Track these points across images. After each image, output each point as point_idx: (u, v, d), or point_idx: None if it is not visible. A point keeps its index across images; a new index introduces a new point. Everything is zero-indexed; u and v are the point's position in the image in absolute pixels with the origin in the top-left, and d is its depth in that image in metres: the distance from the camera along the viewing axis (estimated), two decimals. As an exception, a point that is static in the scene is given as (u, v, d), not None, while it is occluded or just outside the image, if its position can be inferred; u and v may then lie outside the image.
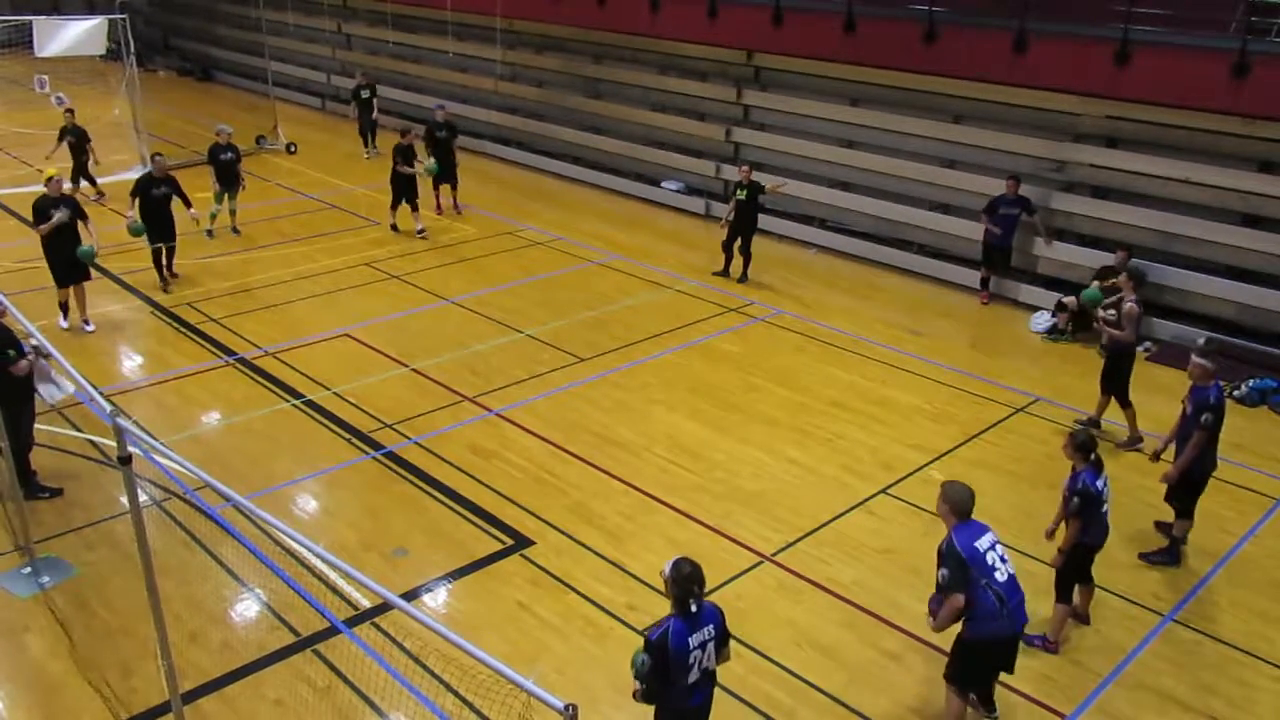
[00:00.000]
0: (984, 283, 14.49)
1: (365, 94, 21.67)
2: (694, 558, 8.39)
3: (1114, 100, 13.97)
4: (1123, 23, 13.06)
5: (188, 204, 13.97)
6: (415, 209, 16.42)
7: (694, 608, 5.44)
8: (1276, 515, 9.44)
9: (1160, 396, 11.73)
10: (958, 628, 6.38)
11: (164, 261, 13.97)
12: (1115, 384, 10.39)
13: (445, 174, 17.41)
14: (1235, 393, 11.69)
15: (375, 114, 21.75)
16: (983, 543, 6.24)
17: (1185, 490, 8.50)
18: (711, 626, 5.59)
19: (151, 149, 19.67)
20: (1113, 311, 10.42)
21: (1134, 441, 10.45)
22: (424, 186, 16.98)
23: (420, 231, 16.46)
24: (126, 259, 15.11)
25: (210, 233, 16.20)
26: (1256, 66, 12.17)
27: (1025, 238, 14.35)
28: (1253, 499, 9.68)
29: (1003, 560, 6.27)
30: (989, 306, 14.42)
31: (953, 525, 6.31)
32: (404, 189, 16.22)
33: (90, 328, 12.66)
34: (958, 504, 6.30)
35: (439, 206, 17.86)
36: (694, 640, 5.44)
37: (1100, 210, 14.04)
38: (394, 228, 16.66)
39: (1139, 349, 12.92)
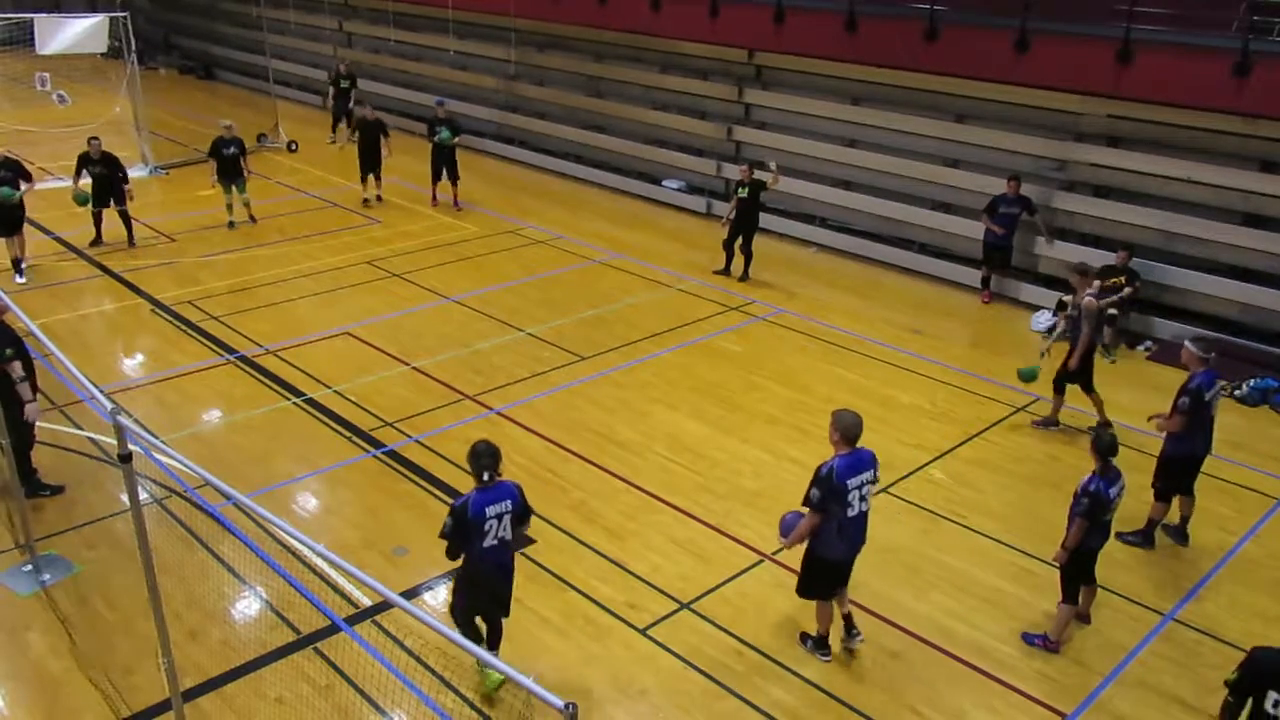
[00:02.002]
0: (985, 282, 14.48)
1: (345, 83, 21.74)
2: (695, 557, 8.46)
3: (1115, 99, 13.96)
4: (1124, 22, 13.06)
5: (125, 182, 15.38)
6: (378, 179, 17.97)
7: (488, 478, 6.36)
8: (1277, 515, 9.43)
9: (1160, 395, 11.71)
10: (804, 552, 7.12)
11: (102, 221, 15.60)
12: (1078, 376, 10.46)
13: (446, 169, 17.75)
14: (1236, 392, 11.69)
15: (352, 104, 21.67)
16: (856, 479, 6.83)
17: (1172, 471, 8.59)
18: (509, 501, 6.47)
19: (153, 147, 19.86)
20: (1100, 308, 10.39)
21: (1050, 423, 10.78)
22: (404, 173, 18.27)
23: (377, 197, 18.17)
24: (127, 258, 15.14)
25: (232, 224, 16.60)
26: (1258, 66, 12.16)
27: (1026, 237, 14.35)
28: (1254, 498, 9.68)
29: (862, 499, 6.89)
30: (990, 306, 14.42)
31: (839, 453, 6.86)
32: (370, 163, 17.71)
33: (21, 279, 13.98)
34: (847, 431, 6.85)
35: (435, 199, 18.20)
36: (490, 510, 6.37)
37: (1101, 209, 14.04)
38: (366, 201, 18.08)
39: (1140, 348, 12.96)
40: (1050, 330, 13.32)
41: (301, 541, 4.81)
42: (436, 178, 17.82)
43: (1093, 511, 7.15)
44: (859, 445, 6.88)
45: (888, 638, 7.62)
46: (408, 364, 11.88)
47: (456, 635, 4.25)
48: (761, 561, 8.44)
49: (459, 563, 6.56)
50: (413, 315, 13.35)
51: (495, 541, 6.44)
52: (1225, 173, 13.13)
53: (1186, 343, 8.55)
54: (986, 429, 10.79)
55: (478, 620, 6.82)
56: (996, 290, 14.52)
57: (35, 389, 8.73)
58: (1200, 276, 13.00)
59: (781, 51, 17.75)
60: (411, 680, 6.92)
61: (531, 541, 7.05)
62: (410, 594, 7.84)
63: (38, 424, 8.90)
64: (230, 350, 12.10)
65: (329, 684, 6.99)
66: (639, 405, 11.08)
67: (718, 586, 8.11)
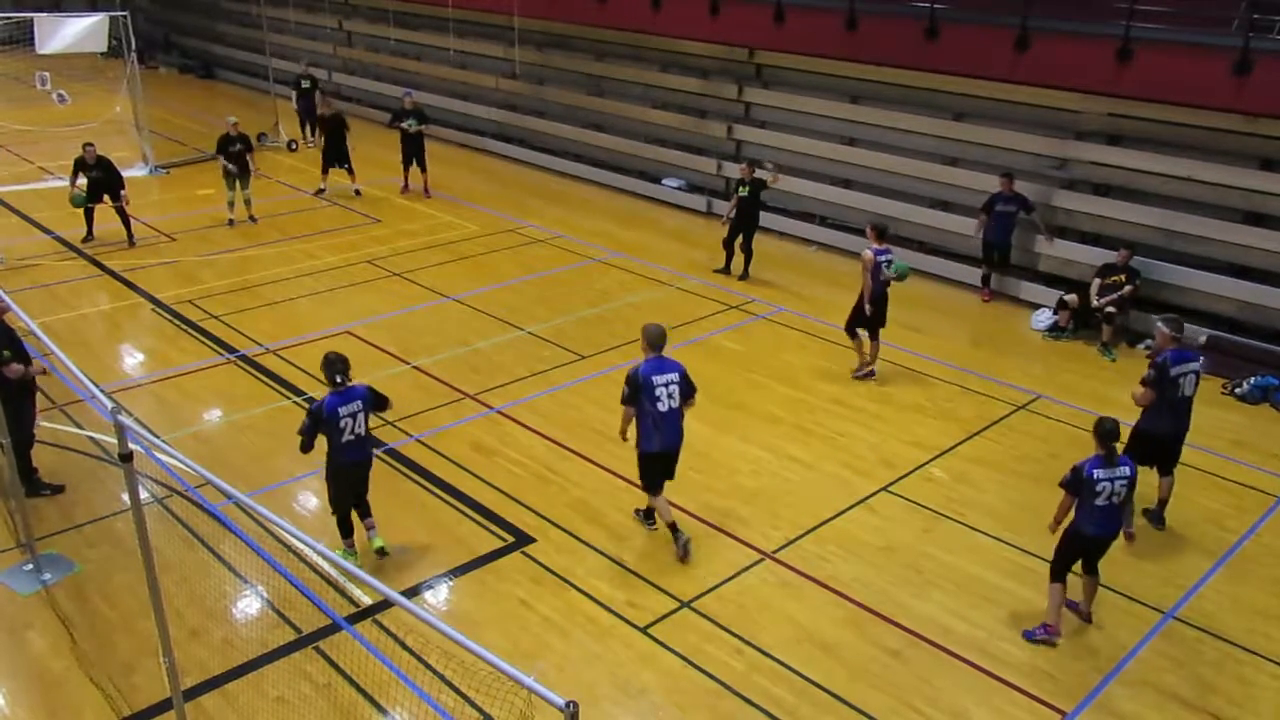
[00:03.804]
0: (985, 280, 14.48)
1: (305, 84, 21.77)
2: (695, 555, 8.46)
3: (1116, 97, 13.95)
4: (1125, 20, 13.04)
5: (121, 186, 15.42)
6: (351, 172, 18.25)
7: (340, 382, 7.46)
8: (1277, 513, 9.43)
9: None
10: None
11: (94, 217, 15.68)
12: (869, 322, 11.54)
13: (414, 158, 18.44)
14: (1237, 390, 11.70)
15: (321, 106, 21.63)
16: (661, 379, 8.00)
17: (1139, 445, 8.70)
18: (360, 401, 7.59)
19: (153, 146, 19.85)
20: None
21: (866, 371, 11.73)
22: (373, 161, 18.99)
23: (356, 191, 18.42)
24: (127, 258, 15.14)
25: (232, 222, 16.63)
26: (1258, 64, 12.15)
27: (1026, 235, 14.35)
28: (1254, 496, 9.68)
29: (670, 397, 8.03)
30: (990, 304, 14.41)
31: (645, 357, 8.07)
32: (334, 157, 18.13)
33: None
34: (651, 340, 8.09)
35: (406, 186, 18.78)
36: (343, 410, 7.49)
37: (1102, 208, 14.03)
38: (321, 191, 18.49)
39: (1140, 346, 12.95)
40: (1052, 328, 13.34)
41: (302, 540, 4.81)
42: (407, 165, 18.58)
43: (1075, 487, 7.21)
44: (664, 355, 8.10)
45: (888, 636, 7.62)
46: (408, 363, 11.88)
47: (457, 634, 4.24)
48: (762, 560, 8.44)
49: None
50: (413, 314, 13.35)
51: (352, 437, 7.60)
52: (1225, 171, 13.12)
53: (1158, 323, 8.77)
54: (986, 427, 10.79)
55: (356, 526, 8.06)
56: (997, 289, 14.53)
57: (35, 389, 8.75)
58: (1200, 275, 12.99)
59: (782, 50, 17.74)
60: (412, 679, 6.93)
61: (389, 406, 8.17)
62: (410, 593, 7.84)
63: (38, 424, 8.91)
64: (231, 349, 12.10)
65: (329, 683, 6.99)
66: (639, 404, 11.07)
67: (718, 585, 8.11)
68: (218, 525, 8.65)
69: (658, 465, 8.36)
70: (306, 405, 10.82)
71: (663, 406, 8.03)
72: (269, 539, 8.45)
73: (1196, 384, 8.69)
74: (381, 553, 8.13)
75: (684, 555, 8.33)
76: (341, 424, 7.49)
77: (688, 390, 8.18)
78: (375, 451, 9.88)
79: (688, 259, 15.74)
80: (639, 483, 8.62)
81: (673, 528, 8.43)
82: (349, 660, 7.15)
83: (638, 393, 8.00)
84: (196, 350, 12.09)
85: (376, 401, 7.85)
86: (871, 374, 11.75)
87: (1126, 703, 7.04)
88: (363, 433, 7.66)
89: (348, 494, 7.95)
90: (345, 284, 14.33)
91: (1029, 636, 7.61)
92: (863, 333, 11.69)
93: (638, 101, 20.16)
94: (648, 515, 8.78)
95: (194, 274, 14.53)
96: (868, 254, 11.30)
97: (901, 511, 9.23)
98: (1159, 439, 8.77)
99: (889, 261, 11.34)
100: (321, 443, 7.68)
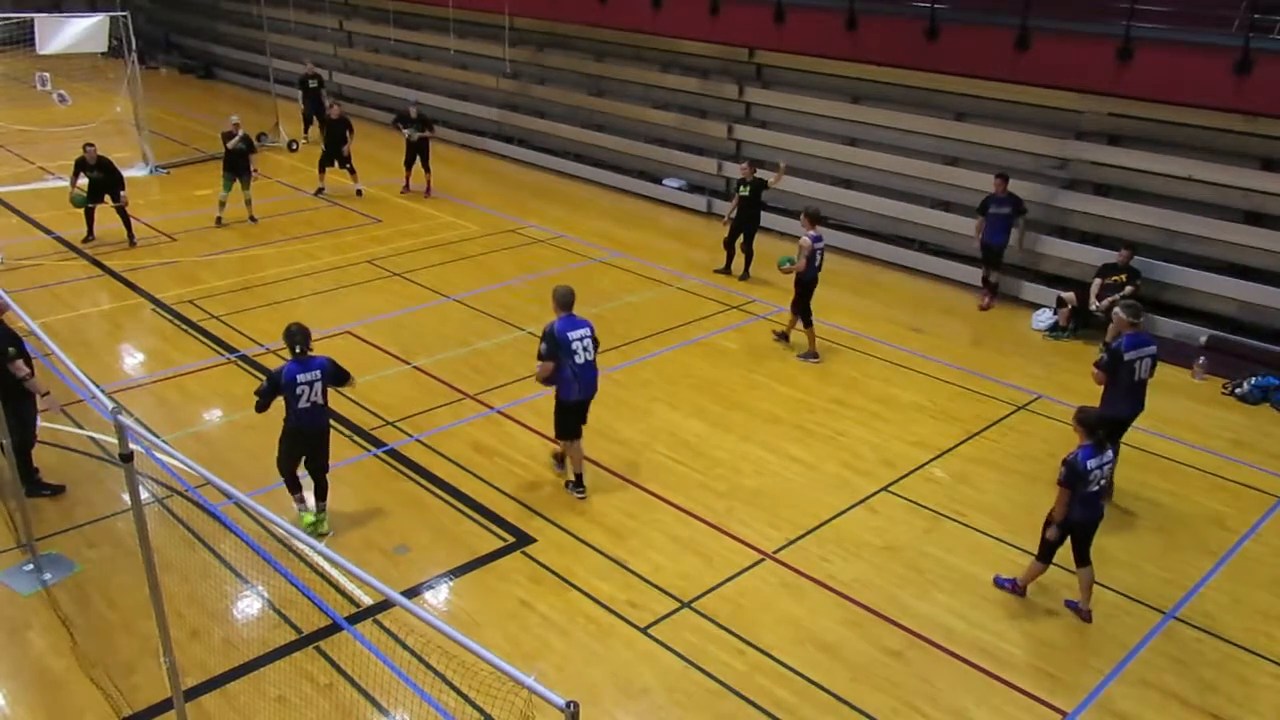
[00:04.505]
0: (985, 281, 14.43)
1: (312, 83, 21.78)
2: (696, 555, 8.46)
3: (1116, 97, 13.95)
4: (1125, 20, 13.05)
5: (121, 187, 15.40)
6: (352, 171, 18.36)
7: (299, 351, 7.99)
8: (1278, 513, 9.43)
9: (1161, 393, 11.72)
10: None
11: (94, 217, 15.70)
12: (799, 307, 12.16)
13: (419, 159, 18.64)
14: (1237, 390, 11.69)
15: (331, 109, 21.66)
16: (575, 334, 8.72)
17: (1105, 431, 8.70)
18: (319, 371, 8.10)
19: (153, 146, 19.85)
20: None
21: (811, 355, 12.26)
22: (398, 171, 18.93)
23: (357, 191, 18.47)
24: (127, 257, 15.14)
25: (219, 221, 16.60)
26: (1259, 64, 12.15)
27: (1030, 235, 14.35)
28: (1254, 496, 9.68)
29: (585, 350, 8.78)
30: (993, 305, 14.38)
31: (558, 316, 8.74)
32: (332, 157, 18.30)
33: None
34: (561, 301, 8.77)
35: (407, 186, 18.90)
36: (301, 377, 8.00)
37: (1102, 208, 14.04)
38: (320, 191, 18.53)
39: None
40: (1053, 328, 13.34)
41: (302, 540, 4.80)
42: (409, 165, 18.74)
43: (1070, 480, 7.33)
44: (574, 314, 8.80)
45: (889, 636, 7.61)
46: (408, 363, 11.88)
47: (458, 634, 4.24)
48: (763, 560, 8.44)
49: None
50: (413, 314, 13.35)
51: (308, 404, 8.11)
52: (1226, 171, 13.13)
53: (1116, 308, 9.01)
54: (987, 427, 10.79)
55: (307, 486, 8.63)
56: (1000, 290, 14.45)
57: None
58: (1201, 275, 13.00)
59: (782, 50, 17.74)
60: (413, 679, 6.93)
61: (350, 381, 8.64)
62: (411, 593, 7.85)
63: (39, 424, 8.91)
64: (231, 349, 12.09)
65: (330, 683, 6.99)
66: (639, 404, 11.08)
67: (719, 585, 8.11)
68: (218, 525, 8.65)
69: (576, 413, 9.08)
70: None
71: (580, 359, 8.79)
72: (269, 539, 8.45)
73: (1153, 368, 8.94)
74: (317, 530, 8.56)
75: (578, 492, 9.21)
76: (299, 390, 8.03)
77: (597, 344, 9.06)
78: (375, 452, 9.96)
79: (688, 259, 15.74)
80: (555, 436, 9.33)
81: (578, 479, 9.17)
82: (350, 660, 7.15)
83: (556, 348, 8.67)
84: (197, 350, 12.09)
85: (336, 374, 8.30)
86: (815, 356, 12.25)
87: (1126, 703, 7.04)
88: (320, 401, 8.17)
89: (297, 456, 8.45)
90: (346, 284, 14.33)
91: (998, 582, 8.10)
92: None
93: (638, 101, 20.17)
94: (576, 485, 9.24)
95: (194, 274, 14.53)
96: (806, 241, 11.83)
97: (902, 511, 9.23)
98: (1120, 422, 8.96)
99: (824, 248, 11.97)
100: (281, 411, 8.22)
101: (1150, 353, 8.85)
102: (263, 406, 8.10)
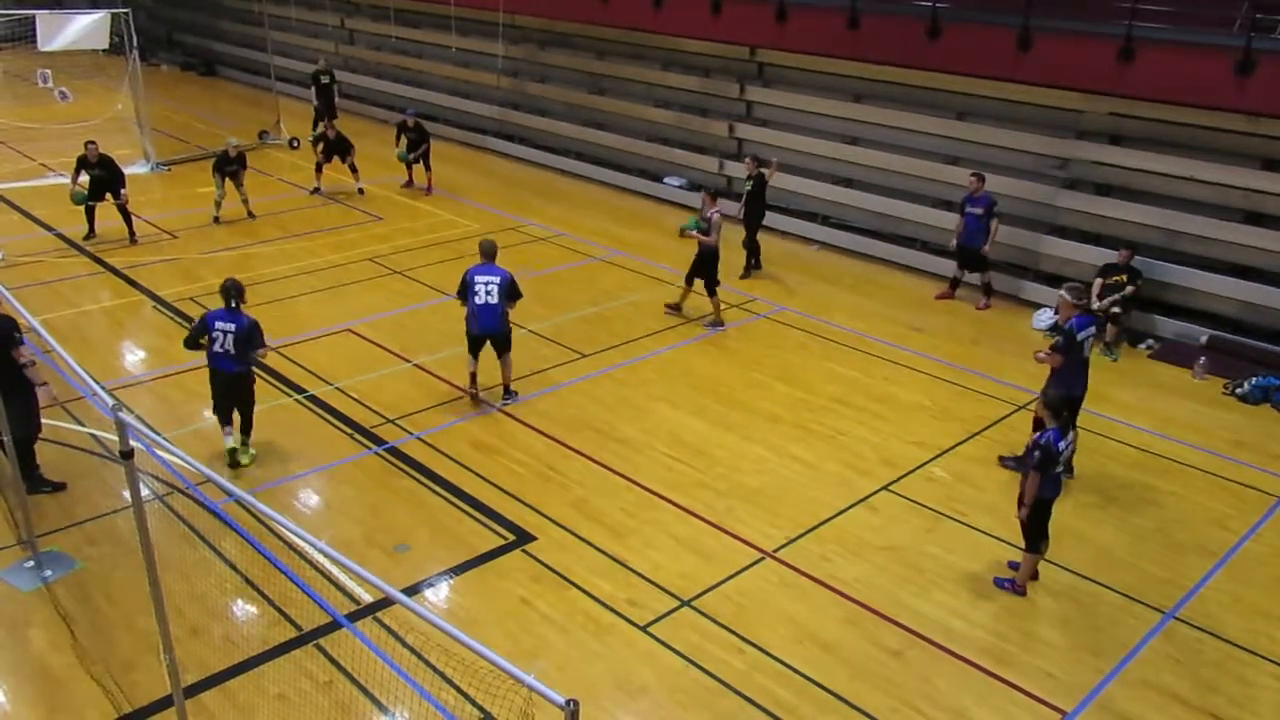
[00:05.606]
0: (985, 286, 14.34)
1: (325, 79, 21.74)
2: (696, 554, 8.46)
3: (1118, 97, 13.93)
4: (1127, 20, 13.04)
5: (123, 185, 15.45)
6: (355, 171, 18.33)
7: (233, 304, 9.07)
8: (1278, 513, 9.43)
9: (1162, 393, 11.76)
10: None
11: (95, 214, 15.71)
12: (702, 276, 12.89)
13: (421, 159, 18.74)
14: (1238, 390, 11.69)
15: (337, 99, 21.71)
16: (481, 278, 10.22)
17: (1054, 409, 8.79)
18: (235, 326, 9.07)
19: (155, 143, 19.86)
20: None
21: (717, 324, 13.02)
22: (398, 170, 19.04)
23: (359, 190, 18.46)
24: (128, 255, 15.15)
25: (217, 219, 16.61)
26: (1261, 64, 12.15)
27: (1030, 235, 14.33)
28: (1255, 496, 9.67)
29: (488, 293, 10.18)
30: (991, 305, 14.36)
31: (477, 264, 10.32)
32: (337, 156, 18.30)
33: None
34: (483, 251, 10.43)
35: (410, 180, 19.05)
36: (219, 325, 9.08)
37: (1103, 208, 14.02)
38: (318, 190, 18.49)
39: (1142, 346, 12.94)
40: (1053, 328, 13.32)
41: (303, 538, 4.81)
42: (410, 163, 18.89)
43: (1044, 464, 7.60)
44: (494, 264, 10.30)
45: (889, 636, 7.62)
46: (409, 361, 11.89)
47: (458, 632, 4.24)
48: (763, 559, 8.44)
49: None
50: (414, 312, 13.35)
51: (220, 350, 9.12)
52: (1227, 171, 13.11)
53: (1061, 292, 9.39)
54: (987, 427, 10.79)
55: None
56: (997, 289, 14.43)
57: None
58: (1202, 275, 12.98)
59: (783, 49, 17.73)
60: (413, 677, 6.94)
61: (260, 351, 9.40)
62: (411, 590, 7.85)
63: (41, 420, 8.91)
64: (232, 347, 12.09)
65: (330, 680, 7.00)
66: (640, 402, 11.08)
67: (719, 584, 8.11)
68: (218, 523, 8.65)
69: (473, 342, 10.53)
70: (309, 404, 10.86)
71: (479, 300, 10.21)
72: (270, 536, 8.45)
73: (1091, 346, 9.45)
74: (233, 461, 9.42)
75: (474, 397, 10.69)
76: (214, 334, 9.09)
77: (512, 294, 10.32)
78: (376, 449, 9.97)
79: (689, 258, 15.69)
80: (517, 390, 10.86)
81: (472, 378, 10.70)
82: (350, 658, 7.16)
83: (464, 288, 10.28)
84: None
85: (250, 338, 9.15)
86: (721, 325, 12.97)
87: (1126, 703, 7.04)
88: (230, 350, 9.09)
89: (218, 396, 9.40)
90: (347, 282, 14.33)
91: (998, 583, 8.11)
92: (699, 284, 12.98)
93: (639, 100, 20.15)
94: (472, 381, 10.74)
95: (195, 271, 14.53)
96: (717, 217, 12.70)
97: (902, 511, 9.23)
98: (1076, 400, 9.26)
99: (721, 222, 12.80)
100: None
101: (1093, 331, 9.41)
102: (188, 344, 9.30)
